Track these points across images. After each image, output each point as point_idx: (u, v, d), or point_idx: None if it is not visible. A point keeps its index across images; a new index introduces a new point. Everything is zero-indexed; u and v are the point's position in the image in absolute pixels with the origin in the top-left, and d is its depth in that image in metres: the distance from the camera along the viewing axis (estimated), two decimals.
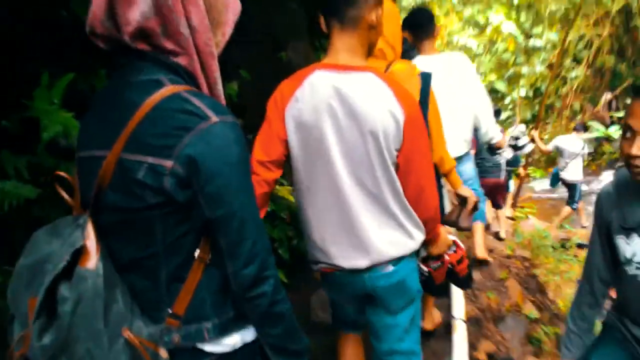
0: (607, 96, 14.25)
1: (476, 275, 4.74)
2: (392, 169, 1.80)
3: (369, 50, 1.85)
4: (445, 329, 3.66)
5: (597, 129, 10.18)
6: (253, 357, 1.32)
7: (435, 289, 2.32)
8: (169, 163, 1.08)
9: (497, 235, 7.21)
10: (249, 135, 3.79)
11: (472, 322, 3.93)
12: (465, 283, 2.45)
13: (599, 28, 13.58)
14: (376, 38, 1.87)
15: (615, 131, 10.25)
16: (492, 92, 14.41)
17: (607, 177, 9.74)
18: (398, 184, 1.81)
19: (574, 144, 8.88)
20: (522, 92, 13.46)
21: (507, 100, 13.74)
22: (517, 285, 4.77)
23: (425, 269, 2.23)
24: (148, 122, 1.09)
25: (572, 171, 8.97)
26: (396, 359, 1.96)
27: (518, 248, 6.19)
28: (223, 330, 1.25)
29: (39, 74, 2.20)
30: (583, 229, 9.30)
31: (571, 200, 9.14)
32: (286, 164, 1.93)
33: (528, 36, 13.86)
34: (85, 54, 2.67)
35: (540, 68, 13.42)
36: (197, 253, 1.21)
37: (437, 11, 14.18)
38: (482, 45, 14.65)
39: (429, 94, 2.33)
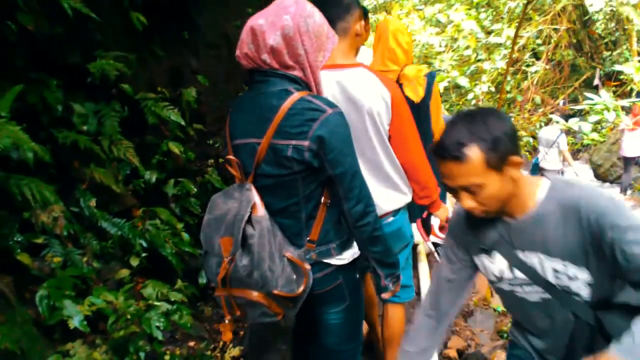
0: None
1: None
2: (386, 139, 2.39)
3: (356, 52, 2.44)
4: None
5: (557, 122, 10.36)
6: (354, 268, 2.01)
7: None
8: (306, 143, 1.70)
9: None
10: (209, 141, 3.75)
11: None
12: None
13: (557, 23, 13.83)
14: (361, 42, 2.45)
15: (574, 123, 10.43)
16: (456, 88, 14.56)
17: (568, 170, 9.89)
18: (391, 151, 2.41)
19: (550, 133, 8.98)
20: (484, 87, 13.60)
21: (470, 96, 13.86)
22: (484, 279, 4.79)
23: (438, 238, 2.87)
24: (288, 118, 1.71)
25: (550, 160, 9.09)
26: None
27: None
28: (342, 249, 1.92)
29: None
30: None
31: None
32: None
33: (488, 33, 14.03)
34: (34, 65, 2.60)
35: (501, 64, 13.58)
36: (322, 199, 1.85)
37: (398, 10, 14.27)
38: (444, 43, 14.77)
39: (432, 90, 3.00)
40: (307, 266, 1.82)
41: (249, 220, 1.75)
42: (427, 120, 3.03)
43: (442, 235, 2.77)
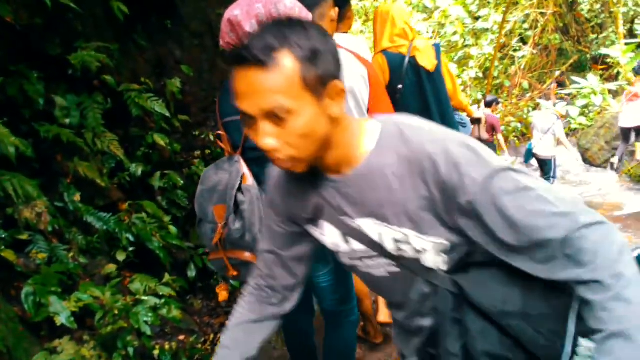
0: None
1: None
2: (365, 112, 2.45)
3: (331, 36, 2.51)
4: None
5: (546, 107, 10.37)
6: None
7: None
8: None
9: None
10: (195, 132, 3.70)
11: None
12: None
13: (543, 7, 13.83)
14: (335, 29, 2.54)
15: (562, 107, 10.45)
16: None
17: (566, 155, 9.95)
18: None
19: (545, 119, 8.95)
20: (472, 73, 13.60)
21: (458, 82, 13.87)
22: None
23: None
24: None
25: (545, 146, 9.07)
26: None
27: None
28: None
29: None
30: None
31: (547, 176, 9.26)
32: None
33: (475, 19, 14.02)
34: (14, 58, 2.54)
35: (488, 49, 13.59)
36: None
37: None
38: (431, 29, 14.74)
39: (441, 57, 3.27)
40: None
41: (239, 189, 1.95)
42: (443, 85, 3.32)
43: None
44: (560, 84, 13.90)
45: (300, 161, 1.09)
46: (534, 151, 9.20)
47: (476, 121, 6.12)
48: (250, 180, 2.00)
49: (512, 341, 1.11)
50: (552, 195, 1.03)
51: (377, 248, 1.20)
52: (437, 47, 3.33)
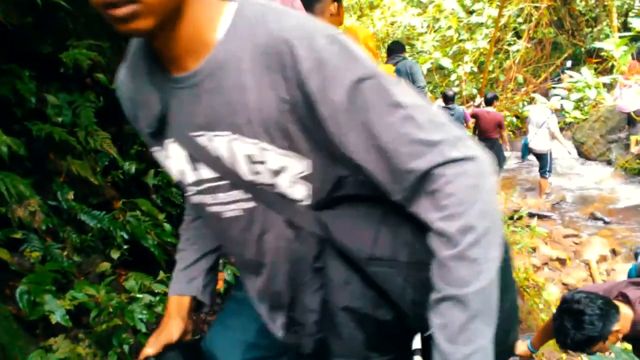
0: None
1: None
2: None
3: None
4: None
5: (540, 101, 10.41)
6: None
7: None
8: None
9: None
10: None
11: None
12: None
13: (537, 1, 13.83)
14: (337, 24, 2.53)
15: (556, 101, 10.47)
16: (439, 69, 14.55)
17: (560, 149, 9.96)
18: None
19: (539, 113, 8.97)
20: (467, 68, 13.61)
21: (453, 77, 13.88)
22: None
23: None
24: None
25: (540, 141, 9.10)
26: None
27: None
28: None
29: None
30: (533, 199, 9.51)
31: (542, 170, 9.31)
32: None
33: (470, 12, 14.02)
34: (5, 57, 2.53)
35: (483, 43, 13.59)
36: None
37: None
38: (426, 23, 14.74)
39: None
40: None
41: None
42: None
43: None
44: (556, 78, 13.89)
45: (145, 16, 0.83)
46: (530, 145, 9.23)
47: None
48: None
49: (377, 295, 0.98)
50: (425, 116, 0.88)
51: (229, 173, 0.97)
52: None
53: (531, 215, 8.06)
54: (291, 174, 0.94)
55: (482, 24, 13.74)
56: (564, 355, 4.02)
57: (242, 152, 0.93)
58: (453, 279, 0.85)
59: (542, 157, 9.24)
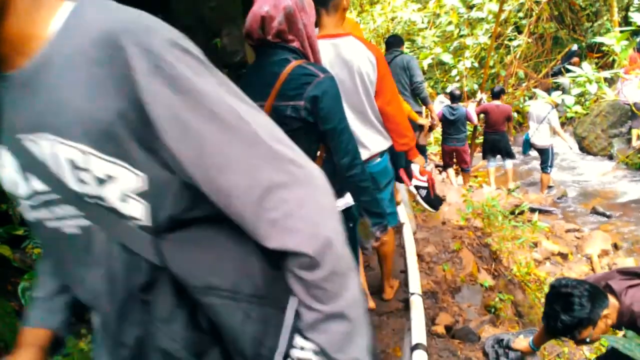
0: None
1: (430, 248, 4.78)
2: (372, 95, 2.89)
3: (343, 23, 2.88)
4: (404, 305, 3.68)
5: (541, 96, 10.37)
6: (347, 217, 2.34)
7: (431, 200, 3.65)
8: (302, 103, 2.00)
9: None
10: None
11: (429, 296, 3.97)
12: (437, 202, 3.72)
13: None
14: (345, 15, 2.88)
15: (557, 96, 10.44)
16: (440, 64, 14.54)
17: (562, 145, 9.94)
18: (375, 105, 2.92)
19: (540, 108, 8.96)
20: (468, 63, 13.59)
21: (453, 72, 13.86)
22: (470, 255, 4.84)
23: (423, 184, 3.55)
24: (287, 82, 2.01)
25: (541, 136, 9.09)
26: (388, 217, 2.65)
27: (471, 218, 6.28)
28: (338, 196, 2.29)
29: None
30: (535, 194, 9.50)
31: (544, 165, 9.31)
32: None
33: (470, 8, 13.99)
34: None
35: (483, 39, 13.57)
36: (318, 153, 2.17)
37: None
38: (426, 19, 14.72)
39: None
40: None
41: None
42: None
43: (423, 178, 3.54)
44: (556, 73, 13.84)
45: None
46: (531, 141, 9.22)
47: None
48: None
49: (204, 338, 0.91)
50: (251, 129, 0.84)
51: (57, 183, 0.85)
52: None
53: (533, 210, 8.05)
54: (122, 187, 0.83)
55: (482, 19, 13.71)
56: (565, 349, 4.02)
57: (65, 156, 0.82)
58: (330, 296, 0.87)
59: (543, 152, 9.23)
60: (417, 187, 4.52)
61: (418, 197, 4.47)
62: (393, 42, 6.59)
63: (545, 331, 2.79)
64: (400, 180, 3.61)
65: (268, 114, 2.03)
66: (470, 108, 8.98)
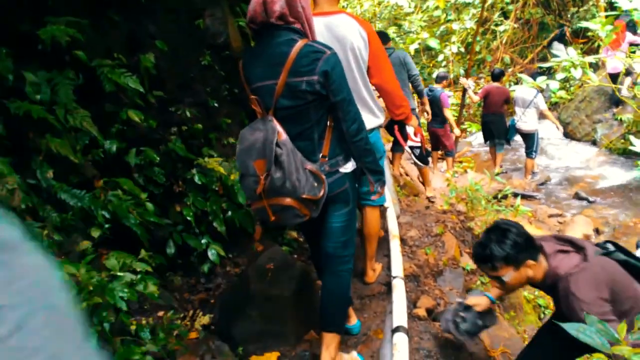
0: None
1: (413, 232, 4.79)
2: (365, 71, 3.07)
3: (337, 1, 3.07)
4: (386, 288, 3.70)
5: (526, 81, 10.39)
6: (354, 178, 2.65)
7: (423, 157, 4.31)
8: (315, 77, 2.26)
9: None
10: (171, 108, 3.66)
11: (411, 279, 3.99)
12: (426, 157, 4.33)
13: None
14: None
15: (542, 81, 10.46)
16: (426, 49, 14.50)
17: (552, 128, 9.98)
18: (368, 81, 3.14)
19: (526, 92, 8.96)
20: (454, 48, 13.56)
21: (440, 57, 13.83)
22: (453, 239, 4.86)
23: (417, 144, 4.01)
24: (298, 60, 2.25)
25: (527, 120, 9.12)
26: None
27: (455, 202, 6.30)
28: (346, 161, 2.54)
29: None
30: (518, 179, 9.56)
31: (529, 150, 9.36)
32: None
33: None
34: None
35: (470, 24, 13.55)
36: (328, 122, 2.44)
37: None
38: (413, 3, 14.64)
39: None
40: (323, 175, 2.41)
41: (276, 144, 2.28)
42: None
43: (417, 139, 3.82)
44: (542, 58, 13.87)
45: None
46: (517, 125, 9.25)
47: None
48: (284, 136, 2.33)
49: None
50: None
51: None
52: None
53: (516, 195, 8.11)
54: None
55: (469, 4, 13.69)
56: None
57: None
58: None
59: (528, 137, 9.27)
60: (411, 148, 5.31)
61: (413, 157, 5.41)
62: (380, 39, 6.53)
63: (474, 259, 2.83)
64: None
65: (282, 91, 2.31)
66: (447, 93, 8.99)
